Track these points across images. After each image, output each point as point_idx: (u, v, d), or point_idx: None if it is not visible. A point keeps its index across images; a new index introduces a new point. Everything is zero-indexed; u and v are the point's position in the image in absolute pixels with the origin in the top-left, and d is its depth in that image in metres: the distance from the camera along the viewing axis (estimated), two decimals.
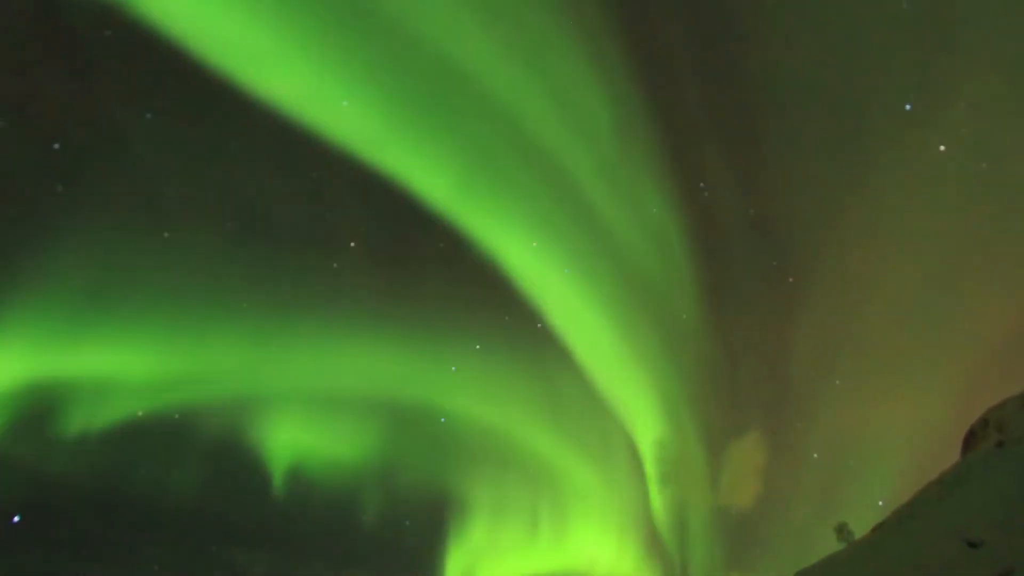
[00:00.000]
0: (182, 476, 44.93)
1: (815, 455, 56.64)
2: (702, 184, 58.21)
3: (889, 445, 52.84)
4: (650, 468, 58.78)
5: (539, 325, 55.28)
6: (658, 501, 58.93)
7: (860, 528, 26.71)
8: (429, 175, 47.79)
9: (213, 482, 45.89)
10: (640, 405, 59.78)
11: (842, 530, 26.51)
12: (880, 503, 44.39)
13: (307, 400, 48.09)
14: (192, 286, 43.90)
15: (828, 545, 27.52)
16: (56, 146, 38.03)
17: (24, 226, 38.41)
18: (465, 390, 52.98)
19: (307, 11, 41.22)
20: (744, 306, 62.30)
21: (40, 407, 39.75)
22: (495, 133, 51.15)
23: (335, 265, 47.40)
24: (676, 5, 51.64)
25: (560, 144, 53.55)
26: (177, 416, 43.48)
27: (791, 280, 58.71)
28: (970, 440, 25.78)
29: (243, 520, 46.43)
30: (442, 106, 48.25)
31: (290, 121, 41.84)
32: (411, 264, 51.31)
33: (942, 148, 48.75)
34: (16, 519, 36.87)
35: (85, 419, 40.99)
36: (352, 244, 47.70)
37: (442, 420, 52.63)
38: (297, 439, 47.45)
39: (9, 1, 36.17)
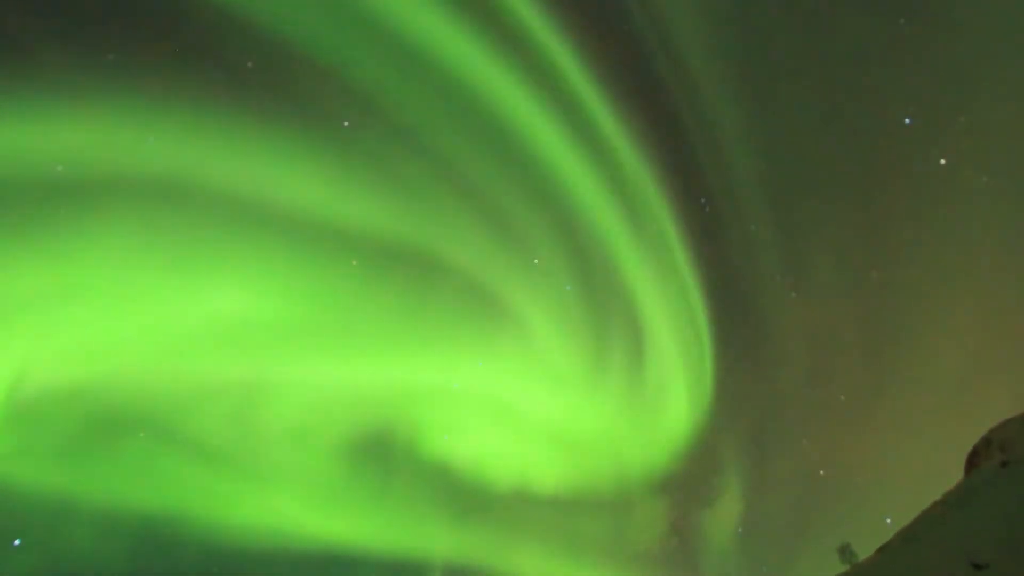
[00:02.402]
0: None
1: (821, 472, 56.16)
2: (703, 200, 58.42)
3: (896, 461, 52.41)
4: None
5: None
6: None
7: (866, 547, 26.41)
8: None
9: None
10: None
11: (845, 551, 26.19)
12: (888, 520, 43.77)
13: None
14: None
15: (832, 566, 27.25)
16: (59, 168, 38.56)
17: None
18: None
19: None
20: (746, 322, 62.14)
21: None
22: (496, 147, 52.03)
23: (353, 263, 48.88)
24: (679, 23, 52.12)
25: (560, 161, 54.25)
26: None
27: (793, 295, 58.64)
28: (973, 460, 25.51)
29: None
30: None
31: None
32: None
33: (942, 162, 48.94)
34: (17, 543, 36.65)
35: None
36: (353, 263, 48.48)
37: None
38: None
39: None
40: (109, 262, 42.76)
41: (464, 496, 52.65)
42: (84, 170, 40.77)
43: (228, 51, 44.14)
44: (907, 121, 49.34)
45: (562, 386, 57.59)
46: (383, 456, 51.17)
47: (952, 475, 26.86)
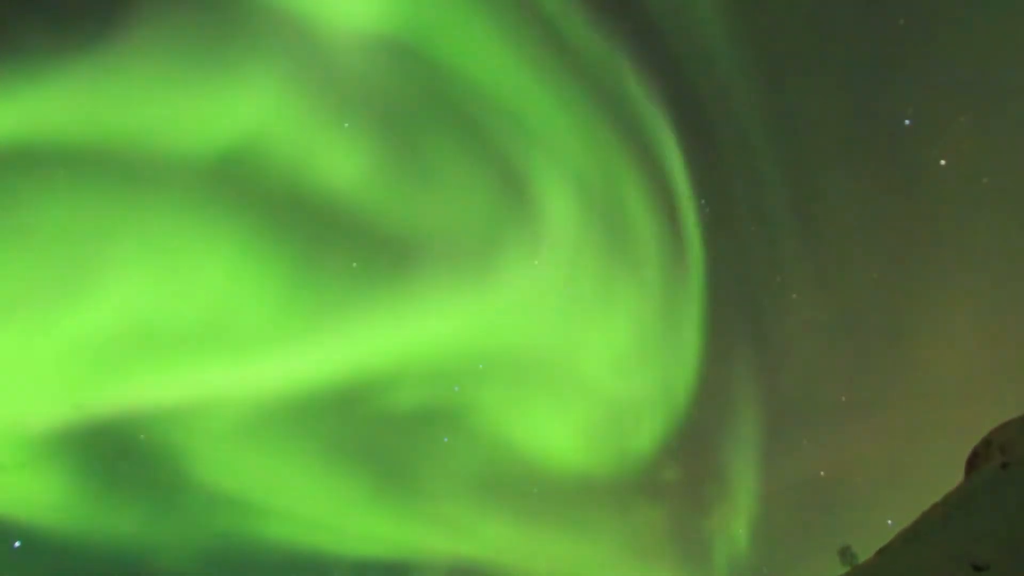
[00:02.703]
0: None
1: (821, 473, 56.13)
2: (703, 201, 58.49)
3: (897, 462, 52.40)
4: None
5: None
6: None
7: (867, 549, 26.39)
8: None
9: None
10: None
11: (845, 553, 26.15)
12: (889, 522, 43.64)
13: None
14: None
15: (833, 567, 27.21)
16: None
17: None
18: None
19: None
20: (747, 322, 62.20)
21: None
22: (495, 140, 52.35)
23: (354, 265, 49.15)
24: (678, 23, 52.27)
25: (561, 162, 54.54)
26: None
27: (795, 296, 58.65)
28: (974, 461, 25.49)
29: None
30: None
31: None
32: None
33: (943, 163, 48.97)
34: (17, 544, 36.72)
35: None
36: (354, 265, 48.87)
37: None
38: None
39: None
40: (107, 262, 42.91)
41: (466, 496, 52.88)
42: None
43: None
44: (907, 122, 49.44)
45: (563, 386, 57.77)
46: (384, 458, 51.34)
47: (952, 477, 26.87)
